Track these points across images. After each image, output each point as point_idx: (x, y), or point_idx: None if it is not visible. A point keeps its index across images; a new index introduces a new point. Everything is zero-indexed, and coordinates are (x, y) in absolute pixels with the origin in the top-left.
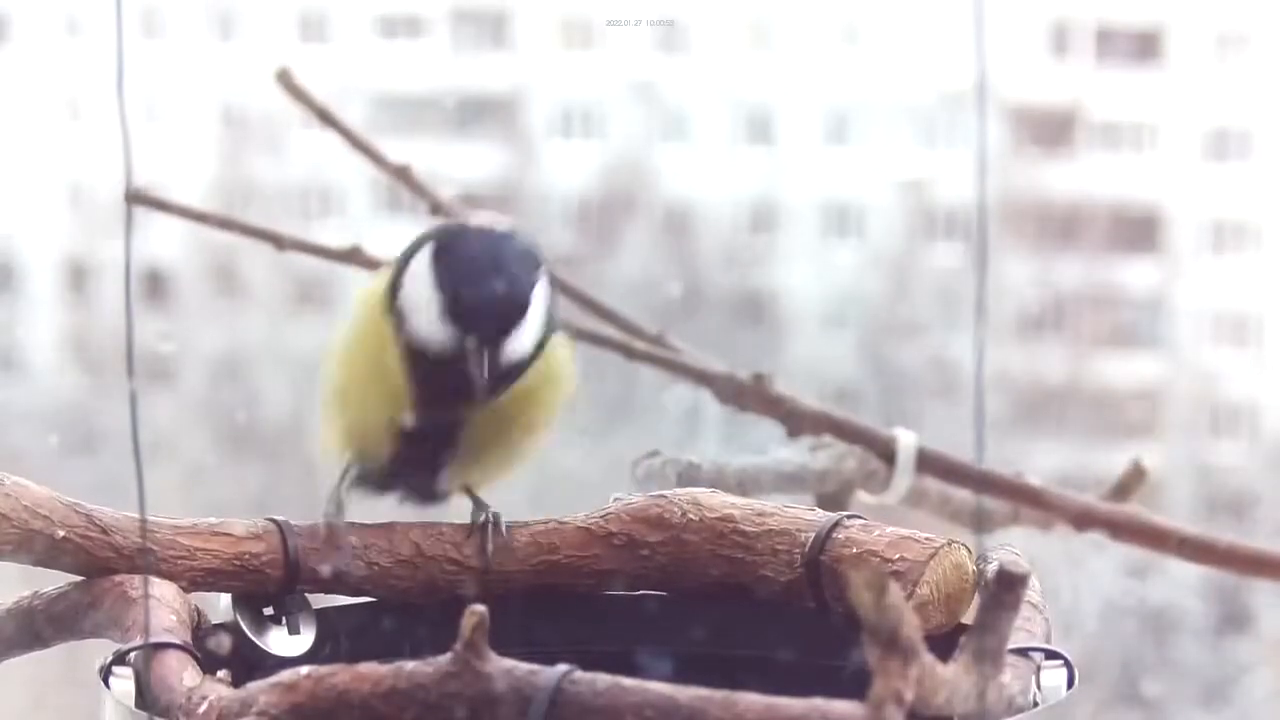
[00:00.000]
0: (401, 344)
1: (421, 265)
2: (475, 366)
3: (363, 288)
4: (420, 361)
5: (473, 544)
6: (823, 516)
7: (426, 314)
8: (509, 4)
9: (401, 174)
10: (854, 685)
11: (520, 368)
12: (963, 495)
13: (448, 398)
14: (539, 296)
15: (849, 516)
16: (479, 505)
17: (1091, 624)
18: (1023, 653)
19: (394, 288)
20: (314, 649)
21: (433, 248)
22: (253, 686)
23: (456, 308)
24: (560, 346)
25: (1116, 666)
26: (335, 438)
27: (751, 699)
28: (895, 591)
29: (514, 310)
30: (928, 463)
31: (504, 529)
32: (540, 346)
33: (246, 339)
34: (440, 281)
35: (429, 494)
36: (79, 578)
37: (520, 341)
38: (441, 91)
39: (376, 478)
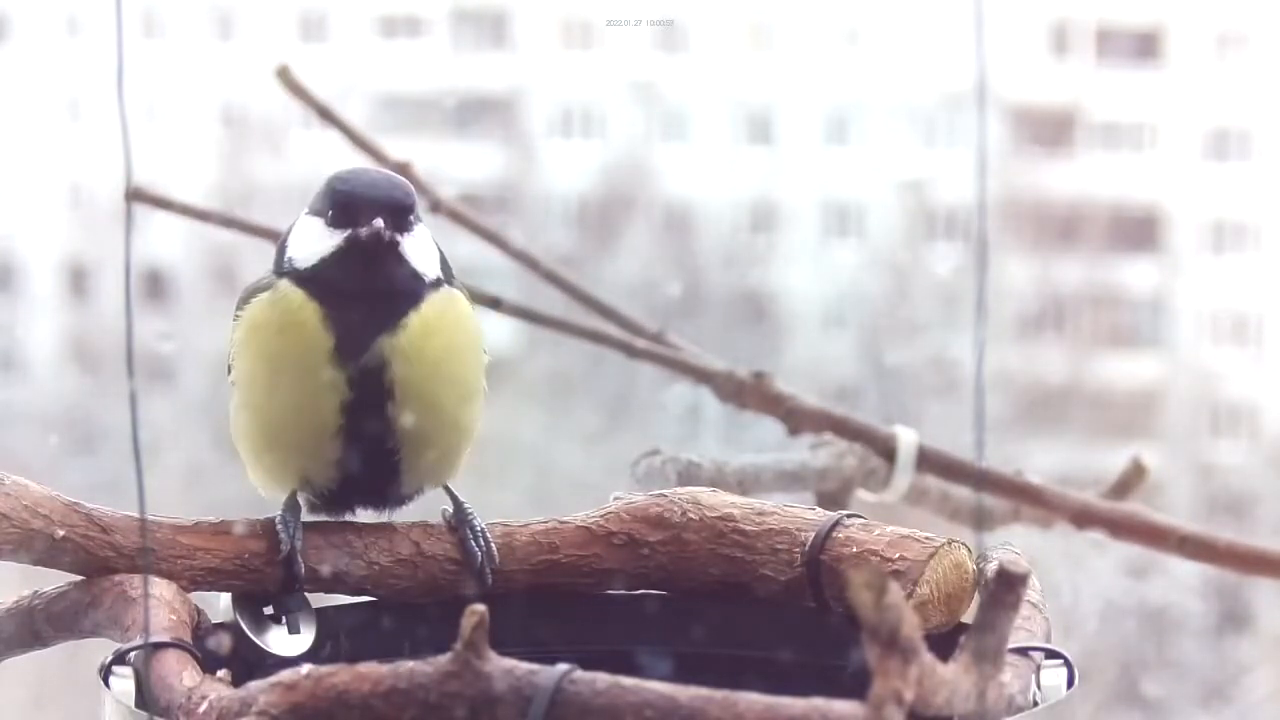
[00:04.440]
0: (310, 308)
1: (301, 224)
2: (375, 244)
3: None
4: (328, 290)
5: (456, 543)
6: (823, 516)
7: (319, 238)
8: (509, 4)
9: (402, 171)
10: (854, 685)
11: (414, 275)
12: (963, 493)
13: (368, 319)
14: (423, 227)
15: (849, 516)
16: (457, 505)
17: (1091, 624)
18: (1023, 652)
19: (280, 265)
20: (314, 649)
21: (308, 210)
22: (253, 686)
23: (347, 202)
24: (461, 300)
25: (1116, 666)
26: (273, 470)
27: (751, 699)
28: (895, 591)
29: (402, 193)
30: (928, 461)
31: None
32: (437, 285)
33: None
34: (325, 204)
35: (390, 496)
36: (79, 577)
37: (414, 238)
38: (441, 91)
39: (327, 491)
